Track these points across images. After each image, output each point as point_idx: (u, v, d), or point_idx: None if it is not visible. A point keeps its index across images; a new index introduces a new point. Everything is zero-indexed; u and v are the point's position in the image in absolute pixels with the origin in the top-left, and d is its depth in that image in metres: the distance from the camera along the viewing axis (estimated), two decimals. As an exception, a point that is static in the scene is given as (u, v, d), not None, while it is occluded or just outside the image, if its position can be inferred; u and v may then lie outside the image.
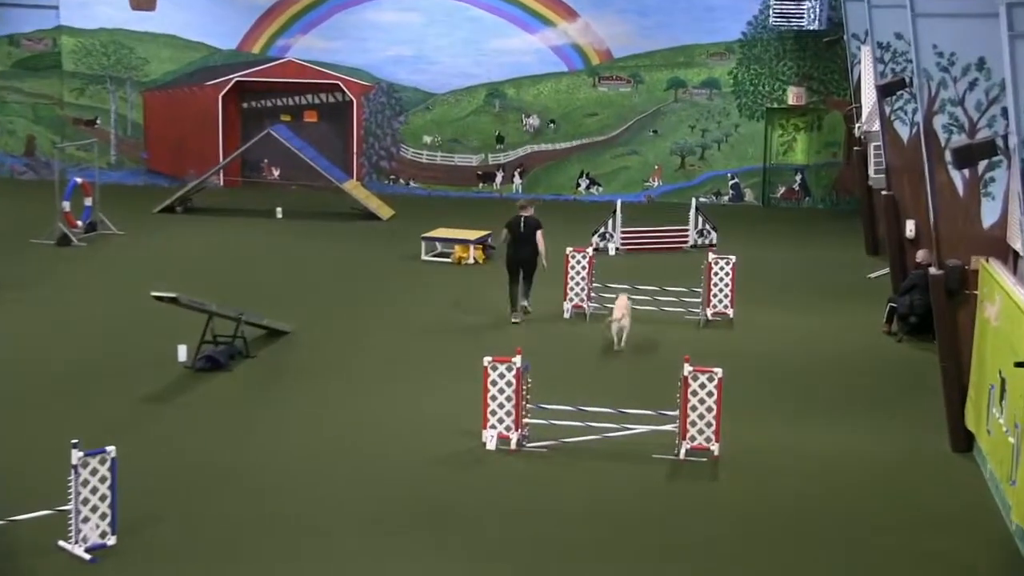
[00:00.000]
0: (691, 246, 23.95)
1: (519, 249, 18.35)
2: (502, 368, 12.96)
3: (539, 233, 18.32)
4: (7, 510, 10.73)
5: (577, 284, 18.62)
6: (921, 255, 17.68)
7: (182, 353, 15.85)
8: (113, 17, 30.46)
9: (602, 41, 29.70)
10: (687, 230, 24.14)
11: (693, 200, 25.02)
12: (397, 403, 14.61)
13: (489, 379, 12.97)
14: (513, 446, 12.99)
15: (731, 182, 29.76)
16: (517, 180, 30.28)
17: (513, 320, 18.25)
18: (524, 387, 13.04)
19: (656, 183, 29.89)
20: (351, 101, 30.39)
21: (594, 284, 18.84)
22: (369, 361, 16.29)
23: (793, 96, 29.09)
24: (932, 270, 13.72)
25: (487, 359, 13.05)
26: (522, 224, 18.37)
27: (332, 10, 30.27)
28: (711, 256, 18.66)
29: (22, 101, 31.59)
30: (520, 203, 19.25)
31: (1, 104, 31.66)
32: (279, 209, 26.80)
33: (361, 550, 10.73)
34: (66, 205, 23.44)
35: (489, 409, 13.03)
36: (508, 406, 12.98)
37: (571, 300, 18.64)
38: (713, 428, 12.79)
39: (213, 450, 12.99)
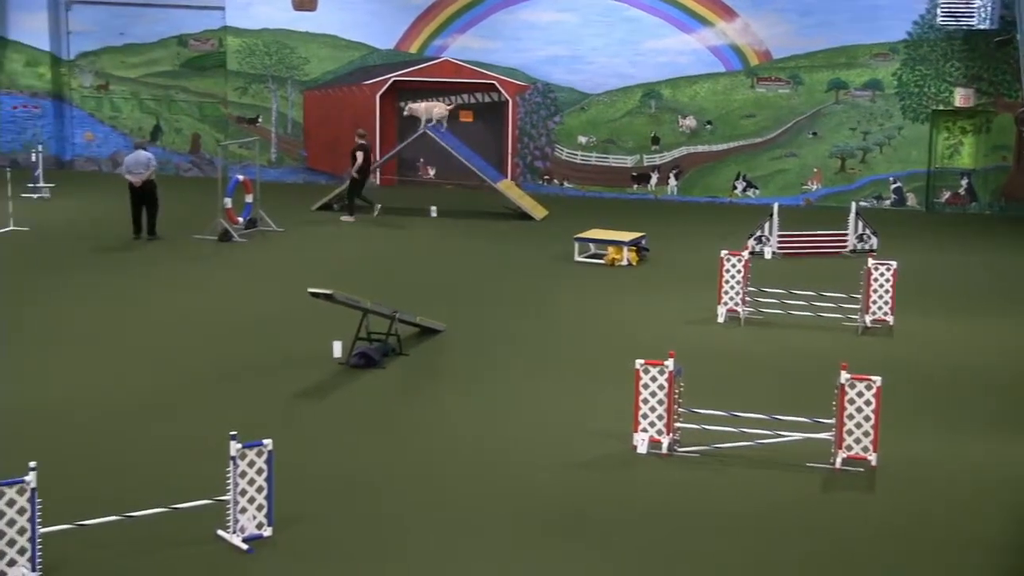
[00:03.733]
0: (850, 251, 23.41)
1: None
2: (654, 371, 12.82)
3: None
4: (170, 498, 10.98)
5: (732, 288, 18.36)
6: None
7: (337, 349, 16.08)
8: (275, 17, 31.18)
9: (761, 41, 29.24)
10: (846, 234, 23.60)
11: (853, 204, 24.43)
12: (547, 404, 14.57)
13: (641, 382, 12.84)
14: (664, 450, 12.84)
15: (893, 186, 29.01)
16: (672, 181, 30.02)
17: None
18: (676, 391, 12.87)
19: (815, 186, 29.32)
20: (507, 101, 30.51)
21: (749, 288, 18.55)
22: (520, 362, 16.30)
23: (960, 98, 28.19)
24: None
25: (639, 362, 12.92)
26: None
27: (489, 10, 30.44)
28: (871, 261, 18.19)
29: (189, 100, 32.60)
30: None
31: (170, 103, 32.71)
32: (434, 208, 27.06)
33: (513, 550, 10.70)
34: (228, 202, 24.04)
35: (640, 412, 12.90)
36: (660, 410, 12.83)
37: (726, 304, 18.38)
38: (871, 438, 12.43)
39: (366, 446, 13.13)
